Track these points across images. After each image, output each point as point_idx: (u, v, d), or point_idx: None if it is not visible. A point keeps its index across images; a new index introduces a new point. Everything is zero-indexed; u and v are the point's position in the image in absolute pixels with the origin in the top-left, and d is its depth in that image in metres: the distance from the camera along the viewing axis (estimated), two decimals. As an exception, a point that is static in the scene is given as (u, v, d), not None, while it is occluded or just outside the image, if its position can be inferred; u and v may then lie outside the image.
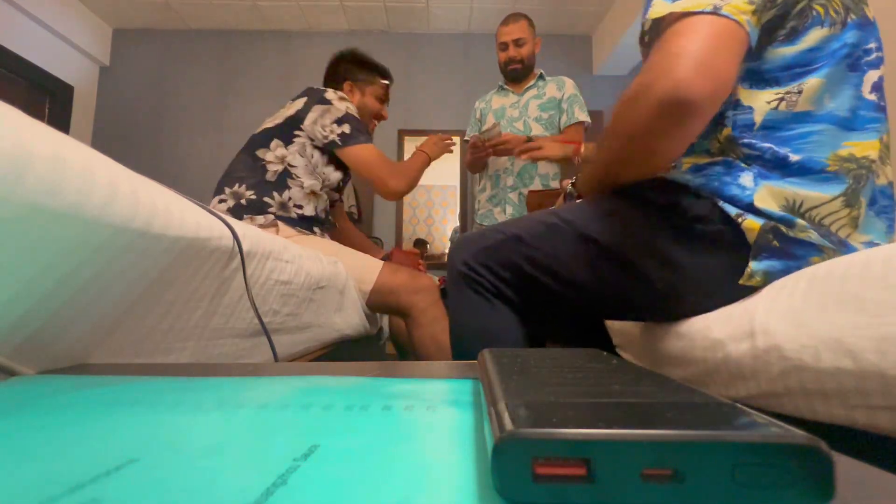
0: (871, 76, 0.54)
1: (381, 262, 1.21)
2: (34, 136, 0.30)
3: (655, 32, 0.55)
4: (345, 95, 1.27)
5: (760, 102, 0.55)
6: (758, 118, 0.55)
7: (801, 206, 0.53)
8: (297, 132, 1.22)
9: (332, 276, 0.95)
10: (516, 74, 1.83)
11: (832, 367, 0.37)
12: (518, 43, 1.78)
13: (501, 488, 0.12)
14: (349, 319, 1.04)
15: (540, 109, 1.80)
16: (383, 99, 1.42)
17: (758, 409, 0.45)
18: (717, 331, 0.51)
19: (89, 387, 0.28)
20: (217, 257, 0.53)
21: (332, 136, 1.20)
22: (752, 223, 0.53)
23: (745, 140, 0.55)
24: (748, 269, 0.53)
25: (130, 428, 0.20)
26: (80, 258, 0.35)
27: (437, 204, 3.38)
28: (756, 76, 0.55)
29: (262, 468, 0.16)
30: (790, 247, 0.52)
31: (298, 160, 1.22)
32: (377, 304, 1.18)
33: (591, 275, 0.61)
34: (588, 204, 0.65)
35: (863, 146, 0.53)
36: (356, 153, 1.21)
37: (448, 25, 3.30)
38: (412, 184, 1.32)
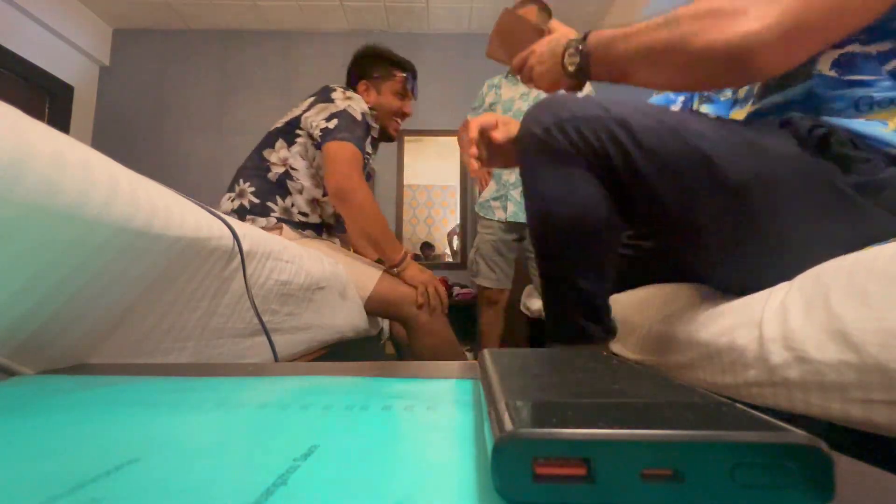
0: None
1: (380, 272, 1.16)
2: (34, 135, 0.30)
3: None
4: (353, 95, 1.17)
5: None
6: None
7: None
8: (298, 131, 1.17)
9: (332, 276, 0.95)
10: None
11: (836, 360, 0.38)
12: None
13: (501, 488, 0.12)
14: (349, 319, 1.04)
15: None
16: (402, 94, 1.28)
17: (748, 402, 0.45)
18: (729, 317, 0.51)
19: (89, 387, 0.28)
20: (217, 257, 0.53)
21: (317, 131, 1.12)
22: None
23: None
24: None
25: (130, 428, 0.20)
26: (80, 258, 0.35)
27: (437, 204, 3.37)
28: None
29: (262, 468, 0.16)
30: None
31: (300, 163, 1.17)
32: (374, 311, 1.16)
33: (694, 207, 0.50)
34: (723, 124, 0.52)
35: None
36: (329, 148, 1.09)
37: (448, 25, 3.29)
38: (358, 205, 1.11)
